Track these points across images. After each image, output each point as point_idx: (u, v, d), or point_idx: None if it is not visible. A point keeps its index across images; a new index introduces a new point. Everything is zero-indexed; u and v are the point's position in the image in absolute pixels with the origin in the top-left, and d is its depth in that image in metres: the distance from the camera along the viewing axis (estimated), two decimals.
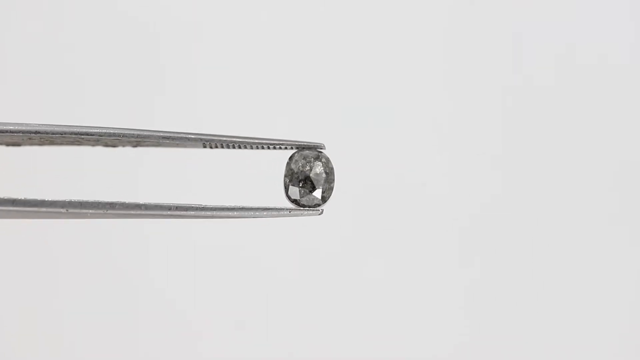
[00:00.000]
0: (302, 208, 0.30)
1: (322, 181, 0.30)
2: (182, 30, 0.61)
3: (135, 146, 0.32)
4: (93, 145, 0.32)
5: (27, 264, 0.59)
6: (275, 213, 0.29)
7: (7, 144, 0.32)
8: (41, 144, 0.32)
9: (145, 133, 0.28)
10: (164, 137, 0.29)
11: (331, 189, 0.31)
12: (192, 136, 0.29)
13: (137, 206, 0.26)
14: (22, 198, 0.26)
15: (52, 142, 0.32)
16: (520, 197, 0.62)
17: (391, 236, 0.61)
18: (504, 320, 0.61)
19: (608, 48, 0.63)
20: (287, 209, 0.29)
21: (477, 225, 0.62)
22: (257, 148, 0.30)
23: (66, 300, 0.59)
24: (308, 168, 0.30)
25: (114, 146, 0.32)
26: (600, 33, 0.63)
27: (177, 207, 0.27)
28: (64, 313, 0.59)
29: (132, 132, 0.29)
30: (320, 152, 0.31)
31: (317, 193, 0.31)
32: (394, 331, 0.61)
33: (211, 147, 0.31)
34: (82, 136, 0.29)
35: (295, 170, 0.30)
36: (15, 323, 0.58)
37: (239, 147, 0.30)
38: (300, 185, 0.31)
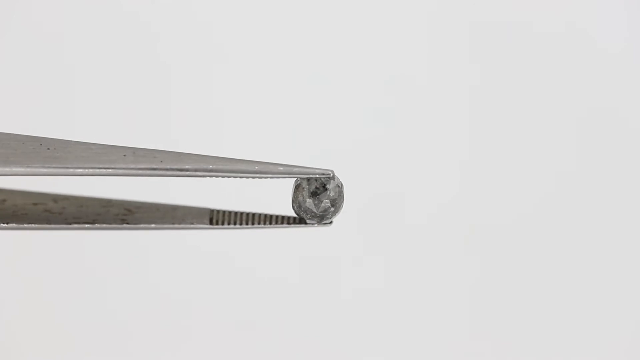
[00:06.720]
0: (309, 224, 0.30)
1: (330, 214, 0.30)
2: (193, 53, 0.61)
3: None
4: None
5: (27, 267, 0.59)
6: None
7: None
8: None
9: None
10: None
11: (338, 212, 0.30)
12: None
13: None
14: None
15: None
16: (520, 199, 0.61)
17: (394, 244, 0.61)
18: (507, 327, 0.61)
19: (603, 39, 0.62)
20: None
21: (482, 232, 0.61)
22: (261, 178, 0.30)
23: (66, 301, 0.59)
24: (315, 204, 0.30)
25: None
26: (594, 23, 0.62)
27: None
28: (65, 313, 0.59)
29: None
30: (327, 185, 0.30)
31: (326, 220, 0.30)
32: (396, 336, 0.61)
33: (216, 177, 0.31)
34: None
35: (304, 208, 0.30)
36: (15, 323, 0.59)
37: (244, 178, 0.30)
38: (309, 217, 0.30)
